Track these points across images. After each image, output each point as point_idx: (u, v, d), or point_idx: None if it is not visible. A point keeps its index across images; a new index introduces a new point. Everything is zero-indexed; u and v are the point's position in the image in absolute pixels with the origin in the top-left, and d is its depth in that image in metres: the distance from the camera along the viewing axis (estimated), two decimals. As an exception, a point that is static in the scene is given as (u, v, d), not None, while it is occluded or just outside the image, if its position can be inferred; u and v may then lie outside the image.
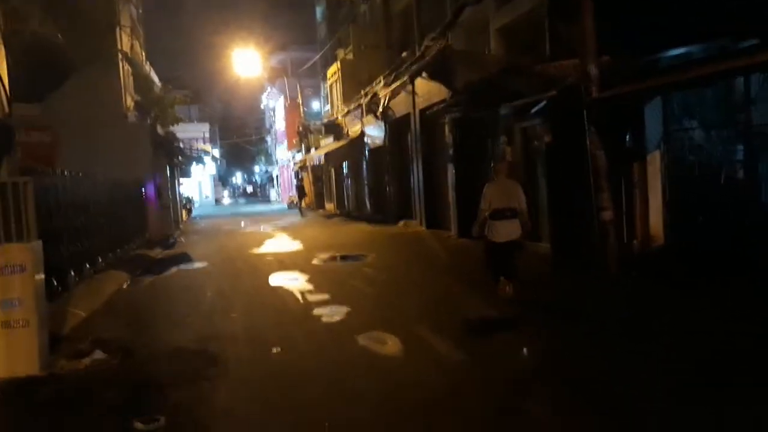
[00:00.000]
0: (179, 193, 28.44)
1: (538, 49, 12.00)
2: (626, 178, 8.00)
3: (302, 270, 10.72)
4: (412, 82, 16.41)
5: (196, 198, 48.95)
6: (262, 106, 53.13)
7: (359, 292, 8.63)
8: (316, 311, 7.34)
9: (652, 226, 7.79)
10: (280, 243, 16.09)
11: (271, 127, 52.88)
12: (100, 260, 11.04)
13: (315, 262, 11.91)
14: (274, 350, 5.75)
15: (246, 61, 34.60)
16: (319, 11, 35.75)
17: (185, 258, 13.64)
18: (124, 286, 10.13)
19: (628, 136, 7.96)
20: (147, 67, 23.29)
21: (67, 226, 9.29)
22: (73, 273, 9.14)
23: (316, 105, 36.88)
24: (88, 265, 10.12)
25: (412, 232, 16.74)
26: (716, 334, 5.50)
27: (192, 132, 41.15)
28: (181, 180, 32.21)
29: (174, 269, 12.03)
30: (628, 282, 7.64)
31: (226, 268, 11.94)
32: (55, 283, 8.26)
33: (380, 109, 19.60)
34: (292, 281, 9.69)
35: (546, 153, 9.72)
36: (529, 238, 11.23)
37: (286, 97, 40.55)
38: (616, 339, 5.63)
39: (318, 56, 32.57)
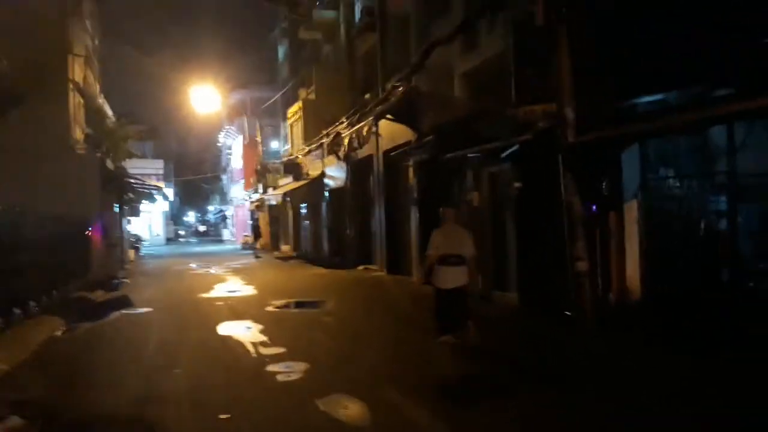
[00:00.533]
0: (127, 231, 27.24)
1: (503, 94, 11.84)
2: (602, 227, 7.66)
3: (255, 318, 9.96)
4: (376, 123, 16.08)
5: (146, 236, 47.29)
6: (219, 144, 52.23)
7: (318, 344, 7.94)
8: (271, 367, 6.62)
9: (629, 277, 7.43)
10: (232, 287, 15.24)
11: (227, 165, 51.94)
12: (32, 304, 10.04)
13: (269, 308, 11.16)
14: (222, 416, 5.02)
15: (204, 98, 33.90)
16: (281, 51, 35.59)
17: (128, 302, 12.66)
18: (58, 334, 9.16)
19: (604, 184, 7.66)
20: (101, 99, 22.42)
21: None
22: (-2, 319, 8.20)
23: (275, 144, 36.32)
24: (18, 311, 9.15)
25: (372, 277, 16.14)
26: (697, 394, 5.22)
27: (146, 168, 39.82)
28: (131, 217, 30.96)
29: (115, 315, 11.07)
30: (603, 337, 7.22)
31: (173, 314, 11.07)
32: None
33: (343, 150, 19.17)
34: (244, 331, 8.93)
35: (516, 199, 9.38)
36: (495, 287, 10.88)
37: (244, 136, 39.92)
38: (593, 400, 5.19)
39: (279, 95, 32.19)
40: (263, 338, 8.30)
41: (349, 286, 14.86)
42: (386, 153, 16.42)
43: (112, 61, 29.14)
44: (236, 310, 11.12)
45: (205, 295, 13.60)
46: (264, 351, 7.49)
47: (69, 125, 16.45)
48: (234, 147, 45.82)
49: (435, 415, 4.94)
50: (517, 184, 9.29)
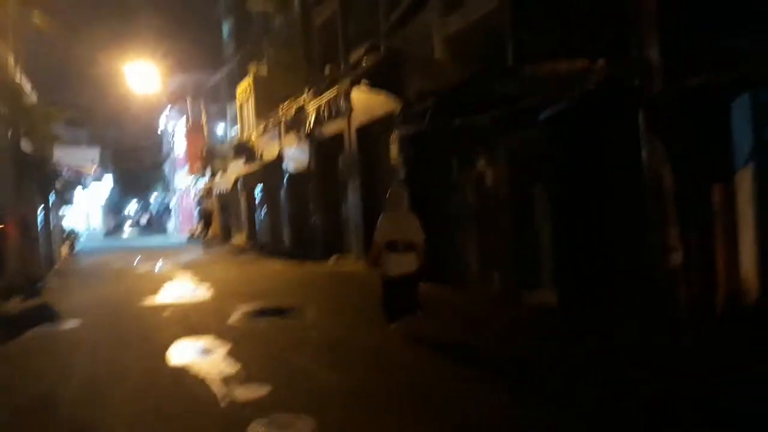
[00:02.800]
0: (57, 224, 24.06)
1: (496, 57, 9.92)
2: (700, 205, 5.65)
3: (217, 334, 7.61)
4: (348, 92, 13.77)
5: (83, 230, 43.60)
6: (159, 131, 48.58)
7: (313, 378, 5.67)
8: (256, 429, 4.36)
9: (744, 273, 5.47)
10: (183, 289, 12.74)
11: (169, 152, 48.43)
12: None
13: (233, 319, 8.80)
14: None
15: (142, 77, 30.68)
16: (226, 28, 32.57)
17: (50, 314, 10.06)
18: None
19: (704, 148, 5.65)
20: (17, 76, 19.19)
21: None
22: None
23: (221, 130, 33.38)
24: None
25: (348, 271, 13.88)
26: None
27: (79, 157, 36.30)
28: (63, 209, 27.67)
29: (30, 333, 8.51)
30: (713, 358, 5.20)
31: (108, 330, 8.57)
32: None
33: (306, 127, 16.81)
34: (204, 357, 6.57)
35: (557, 172, 7.31)
36: (521, 285, 8.87)
37: (187, 118, 36.76)
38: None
39: (225, 72, 29.37)
40: (234, 368, 5.98)
41: (324, 283, 12.62)
42: (360, 129, 14.17)
43: (36, 38, 25.74)
44: (191, 321, 8.73)
45: (149, 302, 11.09)
46: (239, 393, 5.18)
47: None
48: (176, 132, 42.45)
49: None
50: (557, 155, 7.23)
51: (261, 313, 9.20)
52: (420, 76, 11.28)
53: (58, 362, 6.83)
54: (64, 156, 23.95)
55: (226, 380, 5.59)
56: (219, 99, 33.24)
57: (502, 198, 8.91)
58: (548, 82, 7.91)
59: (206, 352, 6.78)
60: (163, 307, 10.31)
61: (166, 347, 7.08)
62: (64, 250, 25.72)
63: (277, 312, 9.19)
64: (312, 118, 16.45)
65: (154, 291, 12.43)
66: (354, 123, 14.36)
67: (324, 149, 16.92)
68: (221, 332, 7.77)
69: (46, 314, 10.11)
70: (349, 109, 14.22)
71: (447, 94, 9.32)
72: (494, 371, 5.62)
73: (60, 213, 26.17)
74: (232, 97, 28.79)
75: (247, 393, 5.18)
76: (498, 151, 8.98)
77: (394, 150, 12.44)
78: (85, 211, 45.50)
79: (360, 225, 14.47)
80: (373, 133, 13.69)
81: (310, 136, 17.29)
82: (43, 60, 26.89)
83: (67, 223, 31.60)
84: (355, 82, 13.27)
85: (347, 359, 6.37)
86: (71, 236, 29.80)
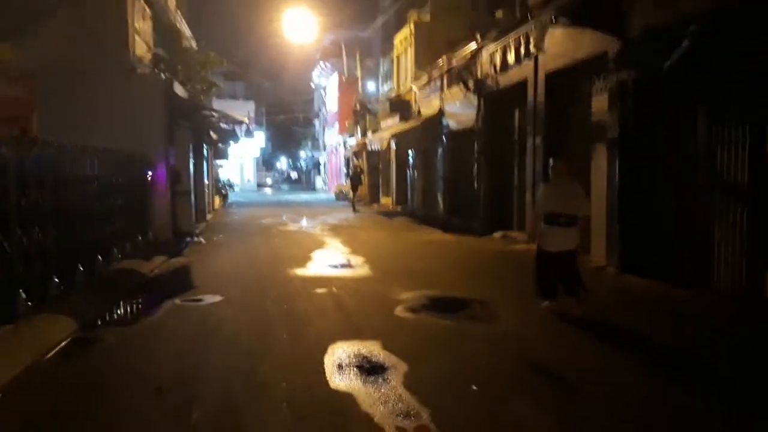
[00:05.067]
0: (212, 175, 23.91)
1: None
2: None
3: (384, 337, 5.67)
4: (543, 31, 11.10)
5: (237, 182, 44.87)
6: (312, 85, 48.25)
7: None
8: None
9: None
10: (335, 257, 11.13)
11: (320, 109, 48.14)
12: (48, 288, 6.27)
13: (400, 311, 6.85)
14: None
15: (299, 27, 29.99)
16: (384, -26, 30.67)
17: (191, 281, 8.83)
18: (48, 356, 5.27)
19: None
20: (179, 20, 18.57)
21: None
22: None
23: (371, 87, 31.79)
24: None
25: (520, 251, 11.44)
26: None
27: (236, 110, 36.81)
28: (218, 161, 27.76)
29: (163, 309, 7.14)
30: None
31: (250, 313, 6.94)
32: None
33: (478, 75, 14.49)
34: (374, 385, 4.51)
35: None
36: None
37: (341, 74, 35.62)
38: None
39: (380, 23, 27.58)
40: (420, 416, 3.95)
41: (497, 266, 10.39)
42: (550, 76, 11.54)
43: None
44: (349, 310, 6.93)
45: (299, 272, 9.55)
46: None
47: (127, 38, 12.60)
48: (329, 87, 41.71)
49: None
50: None
51: (434, 305, 7.18)
52: (650, 6, 8.45)
53: (187, 360, 5.23)
54: (221, 108, 23.74)
55: (414, 437, 3.58)
56: (372, 54, 31.73)
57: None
58: None
59: (375, 372, 4.79)
60: (314, 282, 8.65)
61: (320, 353, 5.24)
62: (217, 201, 25.75)
63: (454, 305, 7.13)
64: (486, 65, 14.02)
65: (304, 257, 10.96)
66: (542, 69, 11.75)
67: (496, 102, 14.47)
68: (390, 335, 5.82)
69: (186, 281, 8.88)
70: (540, 52, 11.58)
71: (720, 18, 6.50)
72: None
73: (214, 164, 26.16)
74: (386, 51, 27.10)
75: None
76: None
77: (600, 101, 9.75)
78: (238, 163, 46.70)
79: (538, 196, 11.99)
80: (567, 81, 11.04)
81: (479, 88, 14.92)
82: (204, 12, 26.77)
83: (222, 175, 32.04)
84: (563, 13, 10.54)
85: (583, 406, 4.13)
86: (224, 188, 30.09)
